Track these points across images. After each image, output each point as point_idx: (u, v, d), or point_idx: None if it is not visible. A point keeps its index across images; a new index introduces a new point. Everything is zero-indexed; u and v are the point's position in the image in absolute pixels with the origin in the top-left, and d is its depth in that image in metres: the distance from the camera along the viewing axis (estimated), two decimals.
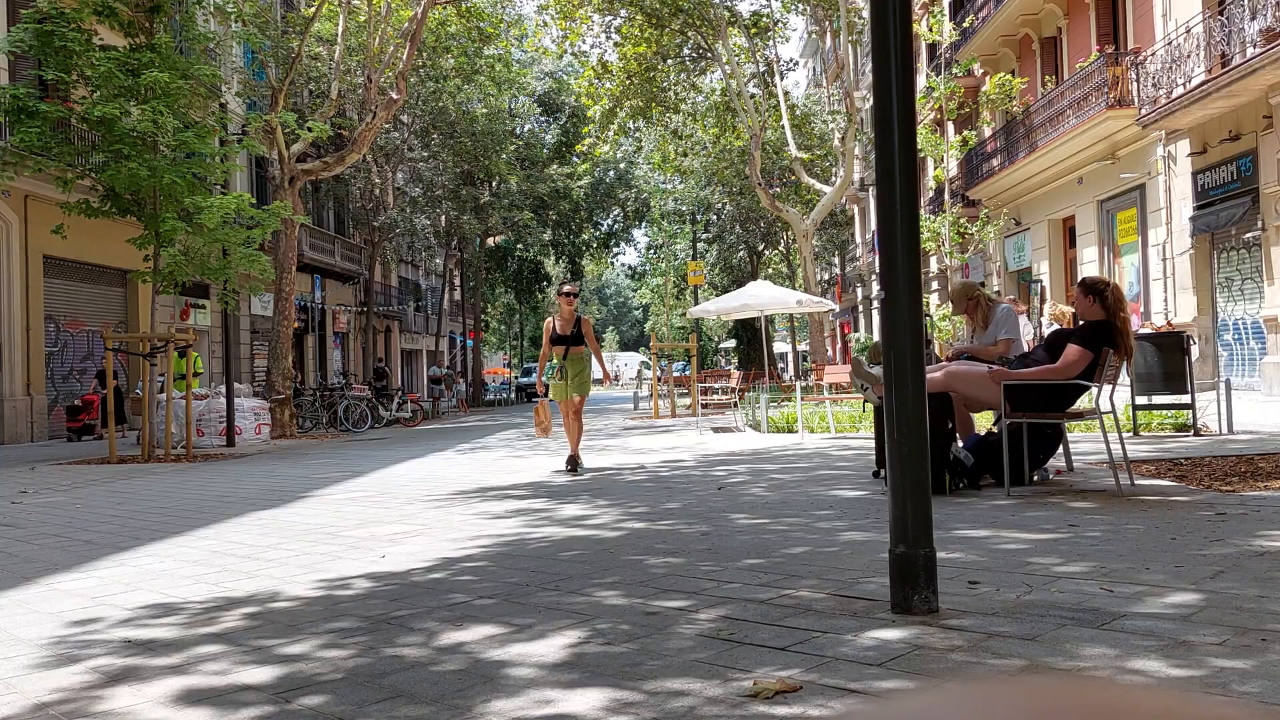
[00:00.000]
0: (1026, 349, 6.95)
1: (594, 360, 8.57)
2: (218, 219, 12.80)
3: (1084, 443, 8.13)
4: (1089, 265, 19.67)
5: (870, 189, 33.49)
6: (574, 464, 8.38)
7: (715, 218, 40.67)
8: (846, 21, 21.95)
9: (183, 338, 13.36)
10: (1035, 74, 22.20)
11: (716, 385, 23.63)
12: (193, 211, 12.70)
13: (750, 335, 38.28)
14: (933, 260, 27.02)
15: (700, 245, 44.29)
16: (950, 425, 5.94)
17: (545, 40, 25.09)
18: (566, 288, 8.60)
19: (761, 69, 25.02)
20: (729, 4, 23.28)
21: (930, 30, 23.79)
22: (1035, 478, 6.13)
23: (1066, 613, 2.93)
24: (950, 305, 7.15)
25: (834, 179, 25.55)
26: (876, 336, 27.95)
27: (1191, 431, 8.97)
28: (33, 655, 3.10)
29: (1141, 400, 9.38)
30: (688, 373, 25.33)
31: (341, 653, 2.93)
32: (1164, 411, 9.58)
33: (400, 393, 23.64)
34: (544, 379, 8.48)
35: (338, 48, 18.65)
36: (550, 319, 8.59)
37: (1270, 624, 2.69)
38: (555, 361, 8.41)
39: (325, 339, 31.64)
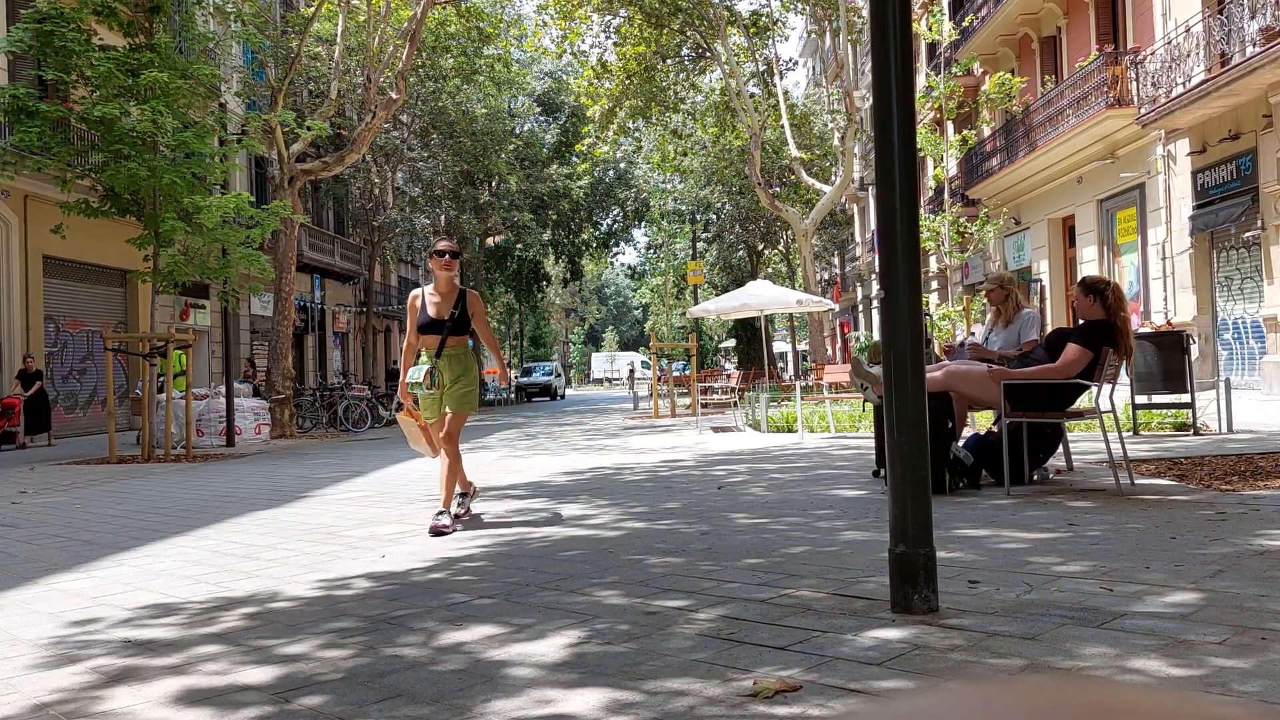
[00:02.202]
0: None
1: (490, 354, 5.92)
2: (217, 219, 12.80)
3: (1084, 442, 8.13)
4: (1089, 264, 19.67)
5: (870, 188, 33.49)
6: (441, 530, 5.24)
7: (715, 217, 40.66)
8: (846, 21, 21.95)
9: (183, 338, 13.36)
10: (1035, 73, 22.21)
11: (716, 385, 23.62)
12: (192, 211, 12.70)
13: (750, 335, 38.27)
14: (932, 260, 27.02)
15: (700, 245, 44.29)
16: (950, 425, 5.94)
17: (545, 40, 25.08)
18: (442, 244, 5.63)
19: (761, 68, 25.02)
20: (728, 3, 23.27)
21: (930, 29, 23.78)
22: (1035, 477, 6.13)
23: (1066, 612, 2.93)
24: (985, 284, 7.13)
25: (834, 178, 25.56)
26: (876, 336, 27.97)
27: (1191, 431, 8.97)
28: (33, 655, 3.10)
29: (1141, 399, 9.38)
30: (687, 372, 25.34)
31: (341, 653, 2.93)
32: (1164, 411, 9.58)
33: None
34: (410, 384, 5.62)
35: (337, 47, 18.64)
36: (417, 292, 5.72)
37: (1270, 623, 2.69)
38: (425, 360, 5.61)
39: (325, 339, 31.63)
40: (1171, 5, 16.44)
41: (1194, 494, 5.30)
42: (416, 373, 5.57)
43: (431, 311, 5.61)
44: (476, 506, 6.21)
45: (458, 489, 5.74)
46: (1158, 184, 17.20)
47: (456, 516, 5.58)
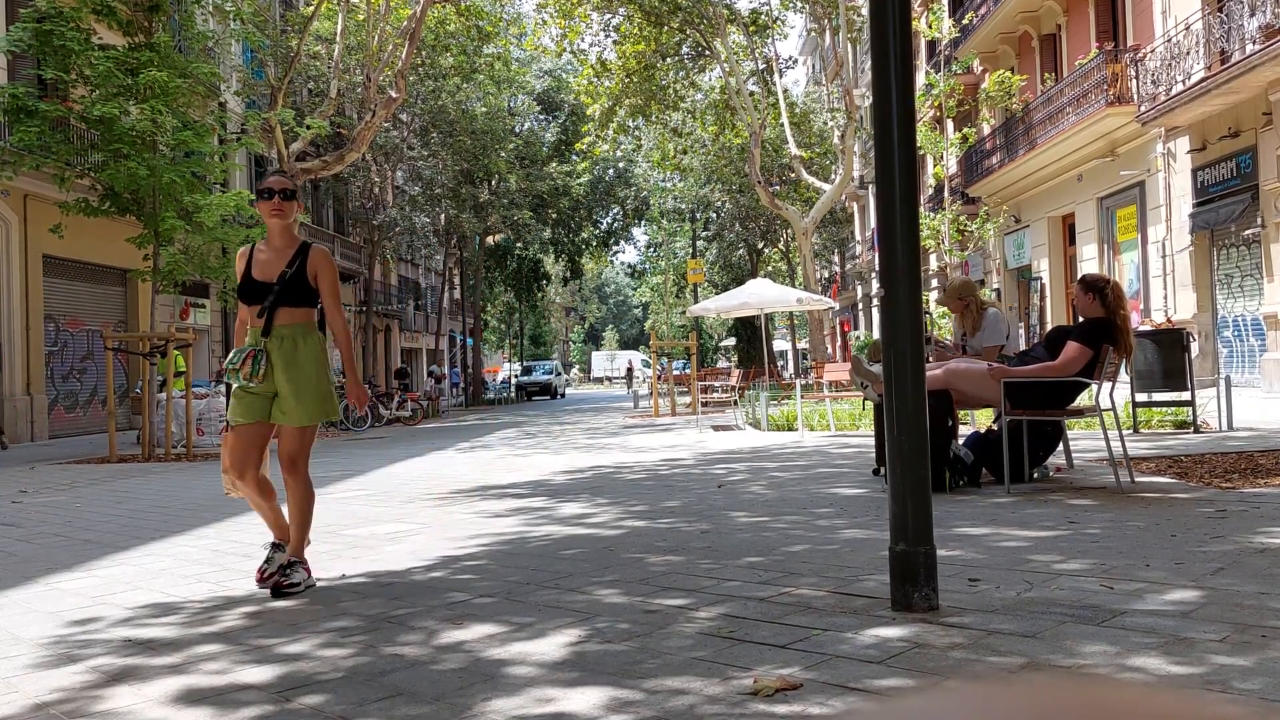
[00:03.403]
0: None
1: (339, 352, 4.22)
2: (217, 217, 12.80)
3: (1084, 440, 8.13)
4: (1089, 262, 19.66)
5: (870, 187, 33.48)
6: (283, 585, 3.84)
7: (715, 216, 40.66)
8: (846, 19, 21.94)
9: (183, 337, 13.36)
10: (1035, 71, 22.19)
11: (716, 383, 23.62)
12: (192, 210, 12.70)
13: (750, 333, 38.27)
14: (932, 258, 27.00)
15: (700, 243, 44.29)
16: (950, 423, 5.94)
17: (544, 39, 25.07)
18: (270, 180, 4.05)
19: (760, 67, 25.01)
20: (727, 2, 23.27)
21: (929, 27, 23.77)
22: (1035, 475, 6.12)
23: (1067, 610, 2.93)
24: (942, 296, 7.13)
25: (833, 177, 25.55)
26: (876, 334, 27.95)
27: (1191, 428, 8.97)
28: (33, 654, 3.10)
29: (1141, 397, 9.37)
30: (688, 371, 25.34)
31: (341, 652, 2.93)
32: (1164, 408, 9.58)
33: (401, 392, 23.68)
34: (226, 369, 4.11)
35: (337, 46, 18.63)
36: (246, 249, 4.17)
37: (1271, 621, 2.69)
38: (250, 342, 4.02)
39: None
40: (1171, 3, 16.42)
41: (1194, 492, 5.30)
42: (237, 356, 3.96)
43: (257, 271, 4.02)
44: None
45: (282, 554, 3.98)
46: (1158, 182, 17.19)
47: (282, 585, 3.85)
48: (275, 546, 4.05)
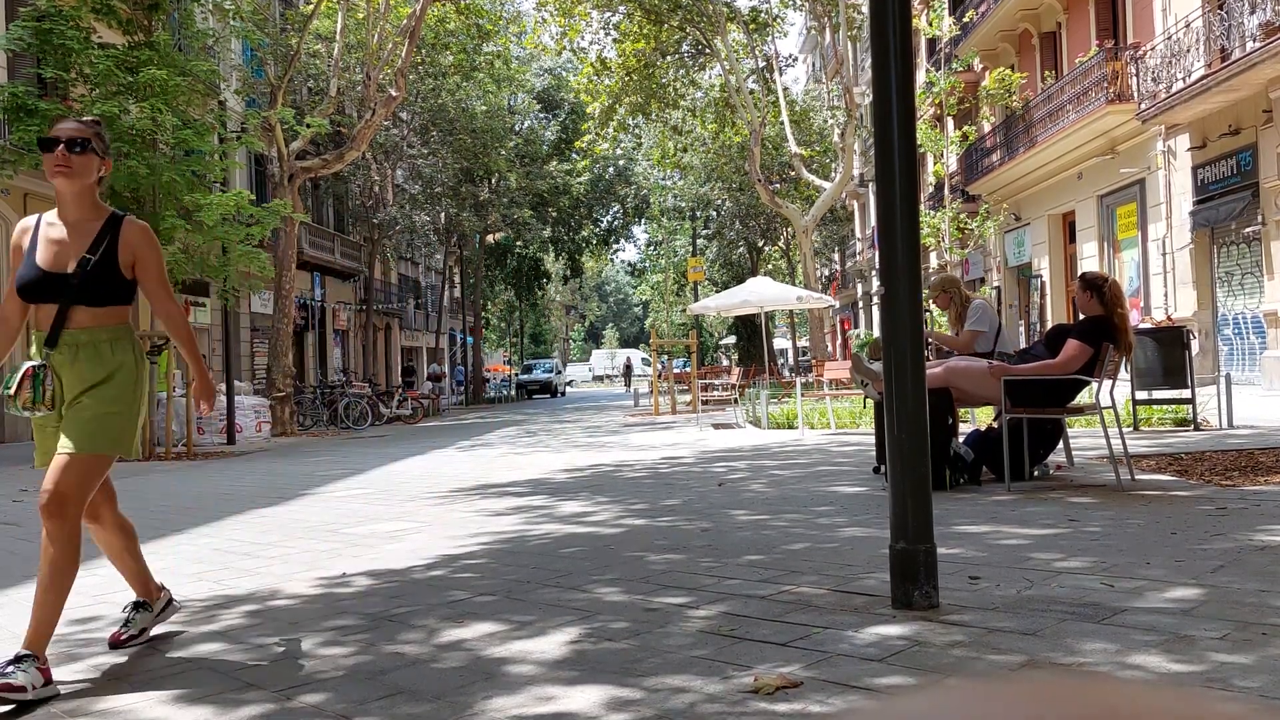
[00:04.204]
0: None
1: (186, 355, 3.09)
2: (217, 217, 12.81)
3: (1084, 438, 8.13)
4: (1089, 260, 19.65)
5: (870, 184, 33.46)
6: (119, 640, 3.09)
7: (715, 214, 40.66)
8: (846, 17, 21.93)
9: None
10: (1035, 69, 22.17)
11: (717, 381, 23.62)
12: (192, 209, 12.71)
13: (750, 332, 38.28)
14: (932, 256, 27.00)
15: (700, 242, 44.28)
16: (951, 421, 5.94)
17: (544, 37, 25.07)
18: (56, 127, 2.86)
19: (760, 65, 25.01)
20: (727, 0, 23.27)
21: (930, 25, 23.76)
22: (1035, 473, 6.13)
23: (1067, 608, 2.93)
24: (929, 293, 7.16)
25: (834, 175, 25.55)
26: (876, 332, 27.94)
27: (1192, 426, 8.97)
28: None
29: (1142, 395, 9.37)
30: (688, 369, 25.35)
31: (342, 650, 2.93)
32: (1164, 406, 9.58)
33: (401, 390, 23.72)
34: (5, 402, 2.94)
35: (336, 45, 18.63)
36: (29, 221, 2.99)
37: (1271, 618, 2.69)
38: (33, 356, 2.96)
39: (325, 337, 31.62)
40: (1171, 1, 16.41)
41: (1194, 489, 5.30)
42: (11, 378, 2.91)
43: (44, 255, 2.90)
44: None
45: (145, 612, 3.18)
46: (1158, 179, 17.18)
47: (123, 639, 3.11)
48: (137, 606, 3.15)
